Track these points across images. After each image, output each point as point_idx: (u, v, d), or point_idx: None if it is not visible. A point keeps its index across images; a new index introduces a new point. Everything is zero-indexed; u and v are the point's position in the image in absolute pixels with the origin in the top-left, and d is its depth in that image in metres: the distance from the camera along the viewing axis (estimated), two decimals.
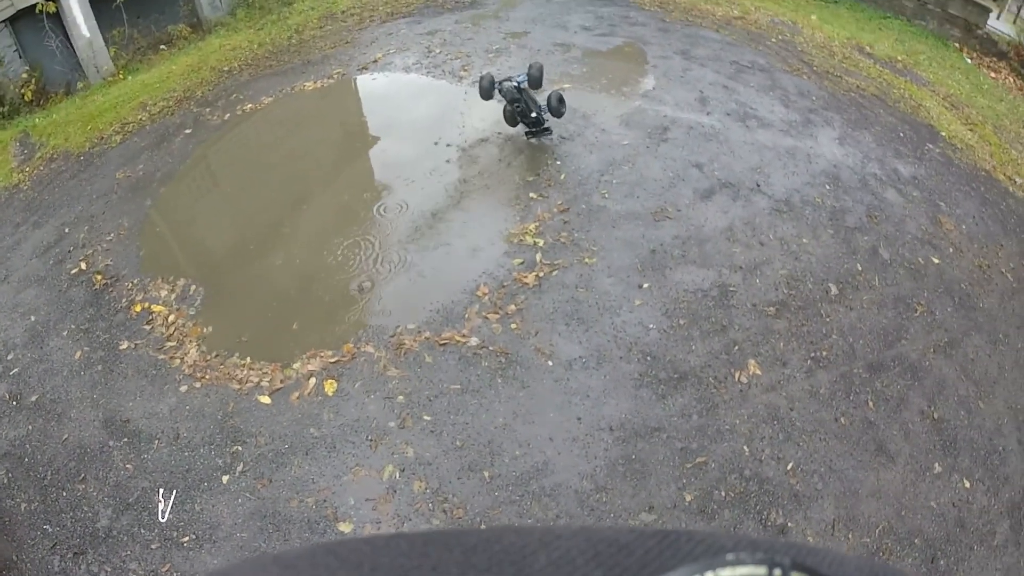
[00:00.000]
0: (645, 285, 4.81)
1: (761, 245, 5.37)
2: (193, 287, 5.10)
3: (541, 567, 0.29)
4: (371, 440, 4.06)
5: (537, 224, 5.20)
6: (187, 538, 3.96)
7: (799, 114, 7.18)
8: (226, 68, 7.88)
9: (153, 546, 3.99)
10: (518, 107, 5.73)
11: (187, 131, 6.85)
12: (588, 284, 4.73)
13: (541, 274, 4.76)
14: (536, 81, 5.79)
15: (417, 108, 6.79)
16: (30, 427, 4.59)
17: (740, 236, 5.37)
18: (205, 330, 4.78)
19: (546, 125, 5.92)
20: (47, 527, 4.20)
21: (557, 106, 5.77)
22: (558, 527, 0.33)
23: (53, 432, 4.53)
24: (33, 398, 4.71)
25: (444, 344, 4.37)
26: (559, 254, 4.93)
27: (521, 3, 9.07)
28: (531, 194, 5.51)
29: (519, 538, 0.32)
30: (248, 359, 4.55)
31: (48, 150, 6.87)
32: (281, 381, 4.37)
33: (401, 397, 4.18)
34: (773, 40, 9.00)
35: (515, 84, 5.67)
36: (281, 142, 6.48)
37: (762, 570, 0.26)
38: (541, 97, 5.89)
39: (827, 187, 6.16)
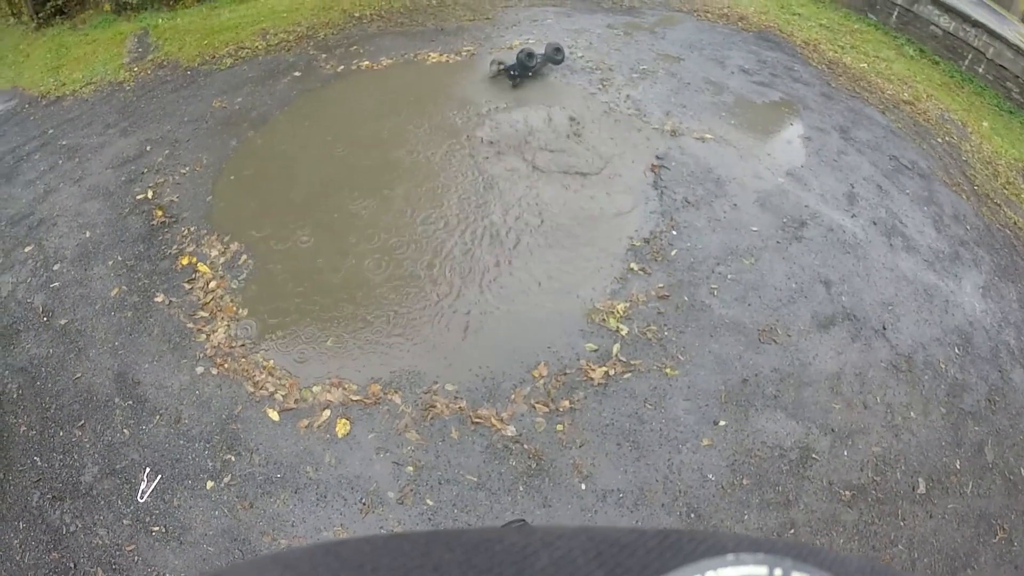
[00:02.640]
0: (722, 423, 4.01)
1: (864, 408, 4.44)
2: (244, 257, 4.62)
3: (543, 567, 0.29)
4: (363, 504, 3.53)
5: (628, 305, 4.42)
6: (157, 528, 3.64)
7: (949, 244, 6.01)
8: (357, 14, 7.24)
9: (125, 521, 3.70)
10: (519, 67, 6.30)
11: (296, 73, 6.32)
12: (659, 403, 3.96)
13: (612, 372, 4.02)
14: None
15: (536, 115, 5.95)
16: (51, 350, 4.31)
17: (846, 390, 4.46)
18: (240, 311, 4.32)
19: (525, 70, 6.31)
20: (37, 459, 3.97)
21: (553, 54, 6.44)
22: (559, 527, 0.33)
23: (70, 365, 4.22)
24: (63, 321, 4.41)
25: (477, 423, 3.74)
26: (640, 352, 4.16)
27: (682, 23, 7.97)
28: (632, 264, 4.71)
29: (520, 538, 0.31)
30: (272, 361, 4.07)
31: (160, 55, 6.48)
32: (295, 401, 3.87)
33: (411, 468, 3.60)
34: (939, 140, 7.65)
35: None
36: (384, 116, 5.84)
37: (763, 570, 0.26)
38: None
39: (956, 350, 5.12)
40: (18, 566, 3.58)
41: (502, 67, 6.23)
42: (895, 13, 9.33)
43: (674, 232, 5.06)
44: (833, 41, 8.48)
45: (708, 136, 5.99)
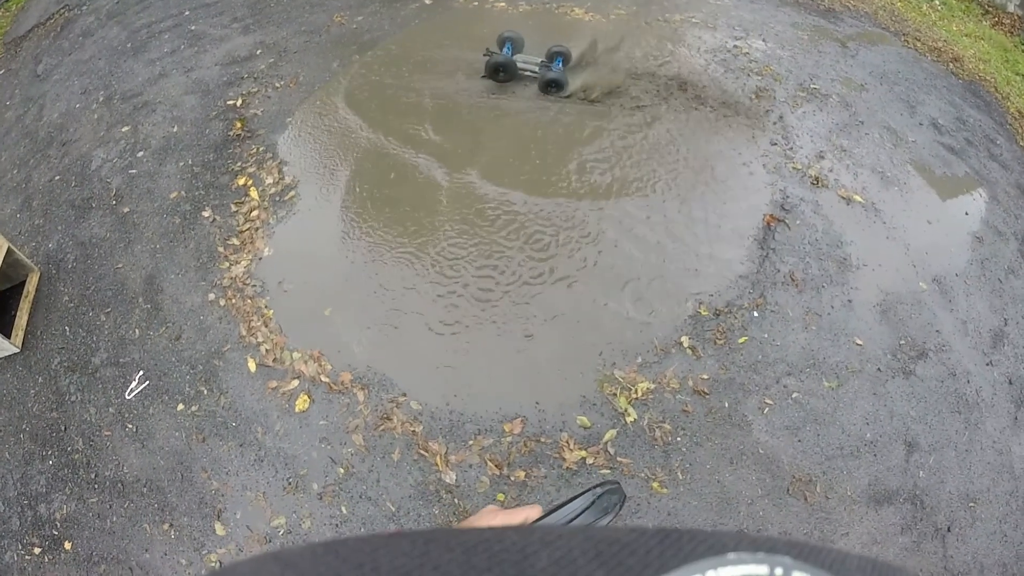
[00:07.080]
0: None
1: None
2: (292, 194, 4.79)
3: (543, 566, 0.29)
4: (289, 483, 3.72)
5: (652, 388, 3.93)
6: (131, 426, 4.19)
7: None
8: None
9: (111, 409, 4.28)
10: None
11: (427, 1, 6.09)
12: (623, 519, 3.53)
13: (590, 461, 3.66)
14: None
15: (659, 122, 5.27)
16: (108, 234, 4.88)
17: None
18: (266, 250, 4.49)
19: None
20: (67, 329, 4.62)
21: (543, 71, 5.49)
22: (559, 527, 0.35)
23: (117, 253, 4.77)
24: (126, 209, 4.95)
25: (422, 455, 3.63)
26: (635, 451, 3.73)
27: (883, 44, 6.52)
28: (684, 338, 4.13)
29: (520, 537, 0.32)
30: (272, 311, 4.24)
31: None
32: (273, 360, 4.06)
33: (342, 470, 3.68)
34: None
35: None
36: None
37: (764, 569, 0.26)
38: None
39: None
40: (28, 411, 4.40)
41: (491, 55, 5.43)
42: None
43: (755, 313, 4.32)
44: None
45: (857, 198, 4.93)
